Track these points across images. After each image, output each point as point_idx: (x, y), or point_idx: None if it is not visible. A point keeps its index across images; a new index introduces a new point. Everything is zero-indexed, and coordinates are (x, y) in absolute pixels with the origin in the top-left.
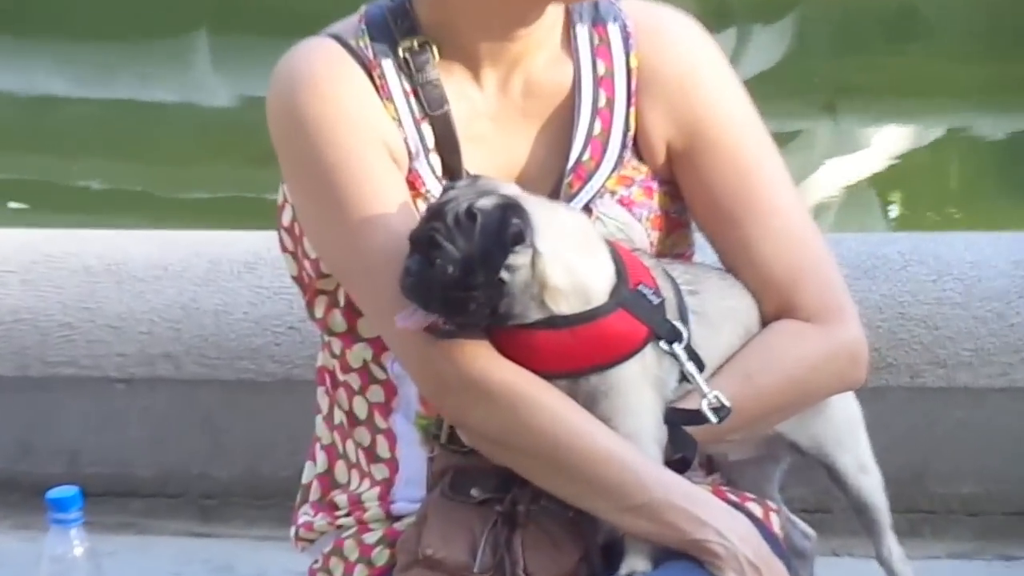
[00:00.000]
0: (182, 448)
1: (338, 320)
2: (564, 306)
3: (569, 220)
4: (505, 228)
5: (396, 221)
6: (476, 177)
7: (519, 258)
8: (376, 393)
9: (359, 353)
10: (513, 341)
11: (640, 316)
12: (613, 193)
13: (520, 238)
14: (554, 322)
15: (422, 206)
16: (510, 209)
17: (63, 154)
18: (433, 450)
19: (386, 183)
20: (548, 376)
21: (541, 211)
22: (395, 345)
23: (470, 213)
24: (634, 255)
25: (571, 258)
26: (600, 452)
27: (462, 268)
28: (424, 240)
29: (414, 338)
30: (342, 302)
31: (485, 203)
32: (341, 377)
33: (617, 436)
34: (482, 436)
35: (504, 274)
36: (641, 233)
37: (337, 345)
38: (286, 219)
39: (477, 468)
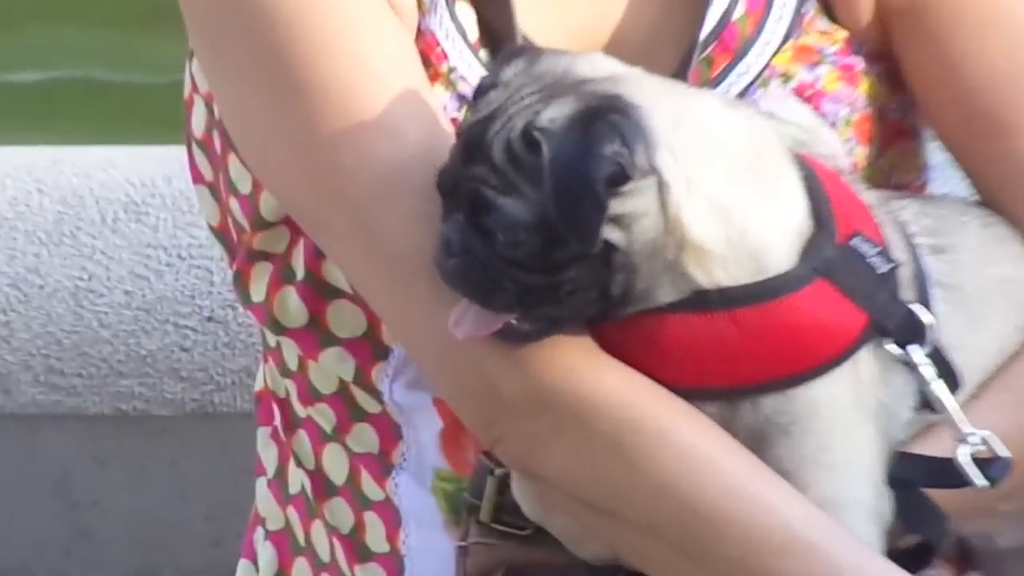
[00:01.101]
0: (25, 532)
1: (293, 305)
2: (720, 274)
3: (723, 120)
4: (593, 159)
5: (415, 122)
6: (536, 52)
7: (633, 201)
8: (364, 438)
9: (331, 366)
10: (628, 331)
11: (854, 294)
12: (786, 77)
13: (622, 175)
14: (703, 300)
15: (441, 92)
16: (600, 117)
17: None
18: (467, 535)
19: (385, 51)
20: (687, 393)
21: (668, 105)
22: (420, 346)
23: (529, 140)
24: (846, 183)
25: (728, 190)
26: (772, 530)
27: (538, 236)
28: (464, 196)
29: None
30: (300, 272)
31: (554, 115)
32: (300, 411)
33: (805, 502)
34: (563, 492)
35: (612, 233)
36: (836, 146)
37: (292, 352)
38: (198, 123)
39: (546, 564)
